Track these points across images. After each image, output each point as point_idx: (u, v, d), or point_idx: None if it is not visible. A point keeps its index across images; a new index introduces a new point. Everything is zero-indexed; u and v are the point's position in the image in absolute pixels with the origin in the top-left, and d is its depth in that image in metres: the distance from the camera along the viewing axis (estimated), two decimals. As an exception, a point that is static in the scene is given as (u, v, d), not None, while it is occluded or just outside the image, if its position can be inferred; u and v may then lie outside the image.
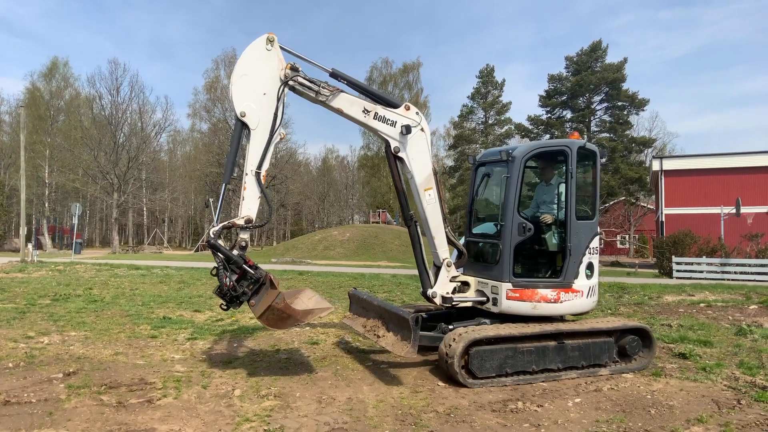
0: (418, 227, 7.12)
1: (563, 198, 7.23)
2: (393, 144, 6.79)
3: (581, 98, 51.11)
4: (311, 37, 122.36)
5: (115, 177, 50.81)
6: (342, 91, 6.61)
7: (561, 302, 7.00)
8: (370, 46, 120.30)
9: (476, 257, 7.57)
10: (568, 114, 52.30)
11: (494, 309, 7.00)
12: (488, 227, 7.70)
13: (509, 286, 6.85)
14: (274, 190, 56.77)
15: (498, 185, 7.67)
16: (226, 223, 6.11)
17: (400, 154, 6.83)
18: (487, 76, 62.12)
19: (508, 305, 6.86)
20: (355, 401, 5.78)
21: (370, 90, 6.93)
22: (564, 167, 7.24)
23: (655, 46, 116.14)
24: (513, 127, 58.79)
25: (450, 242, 7.13)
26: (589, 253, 7.21)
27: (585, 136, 50.05)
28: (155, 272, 20.44)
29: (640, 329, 7.23)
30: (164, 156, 69.72)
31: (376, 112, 6.71)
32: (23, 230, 30.22)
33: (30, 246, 29.53)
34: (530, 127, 53.62)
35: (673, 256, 24.39)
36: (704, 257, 24.24)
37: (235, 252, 5.99)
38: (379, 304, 7.29)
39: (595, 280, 7.32)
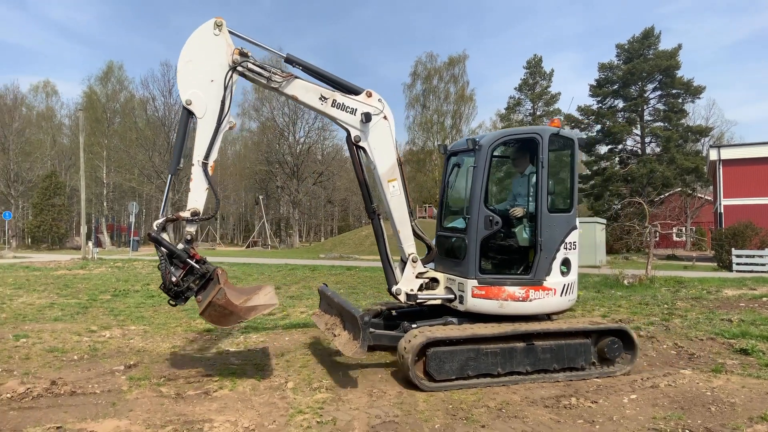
0: (382, 220, 6.80)
1: (535, 190, 6.70)
2: (353, 133, 6.42)
3: (633, 87, 49.56)
4: (355, 34, 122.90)
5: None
6: (296, 77, 6.27)
7: (530, 301, 6.50)
8: (415, 41, 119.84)
9: (447, 252, 7.16)
10: (620, 103, 50.83)
11: (461, 307, 6.57)
12: (460, 221, 7.30)
13: (475, 283, 6.42)
14: (321, 187, 57.45)
15: (466, 176, 7.18)
16: (170, 215, 5.95)
17: (361, 144, 6.46)
18: (534, 67, 61.03)
19: (473, 303, 6.44)
20: (406, 395, 5.80)
21: (328, 76, 6.53)
22: (534, 157, 6.74)
23: (712, 31, 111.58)
24: (562, 118, 57.57)
25: (417, 237, 6.76)
26: (565, 249, 6.69)
27: (638, 126, 48.67)
28: (209, 268, 20.98)
29: (620, 331, 6.68)
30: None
31: (334, 99, 6.35)
32: (83, 229, 31.55)
33: (90, 244, 30.81)
34: (580, 117, 52.40)
35: (732, 249, 23.46)
36: (766, 250, 23.22)
37: (180, 246, 5.78)
38: (339, 302, 6.92)
39: (572, 277, 6.80)
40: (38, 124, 63.42)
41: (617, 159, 50.65)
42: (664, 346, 8.03)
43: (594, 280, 15.73)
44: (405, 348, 5.94)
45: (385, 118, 6.50)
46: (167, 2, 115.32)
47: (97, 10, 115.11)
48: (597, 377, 6.45)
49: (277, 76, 6.16)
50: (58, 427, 4.79)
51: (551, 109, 60.23)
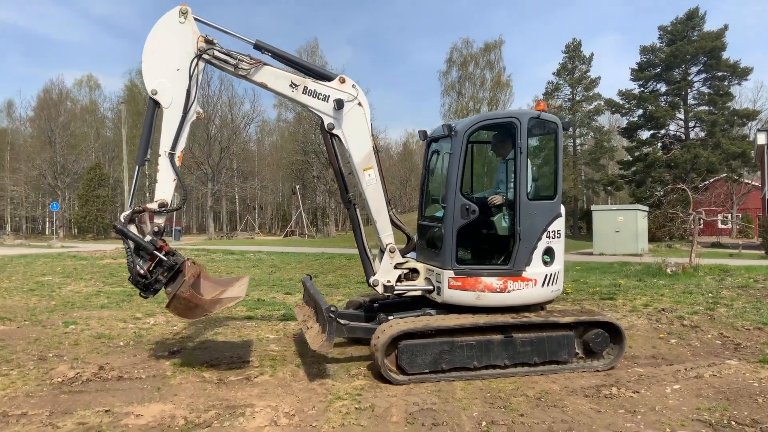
0: (357, 210, 6.69)
1: (516, 176, 6.41)
2: (326, 120, 6.22)
3: (677, 70, 48.05)
4: (390, 21, 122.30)
5: (208, 167, 53.42)
6: (266, 64, 6.11)
7: (508, 292, 6.24)
8: (451, 27, 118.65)
9: (428, 242, 6.89)
10: (663, 87, 49.34)
11: (438, 299, 6.38)
12: (440, 209, 6.89)
13: (451, 273, 6.20)
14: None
15: (444, 163, 6.92)
16: (137, 207, 5.81)
17: (335, 132, 6.27)
18: (573, 51, 59.73)
19: (450, 295, 6.22)
20: (444, 383, 5.81)
21: (299, 62, 6.41)
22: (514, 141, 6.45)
23: (761, 11, 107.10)
24: (603, 103, 56.26)
25: (396, 226, 6.60)
26: (548, 237, 6.39)
27: (682, 110, 47.27)
28: (248, 257, 21.34)
29: (607, 323, 6.39)
30: (253, 146, 72.32)
31: (305, 86, 6.14)
32: (128, 219, 32.34)
33: (134, 234, 31.59)
34: (621, 102, 51.13)
35: (782, 236, 22.64)
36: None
37: (147, 238, 5.71)
38: (313, 294, 6.76)
39: (555, 267, 6.48)
40: (82, 118, 65.23)
41: (659, 144, 49.30)
42: (709, 336, 7.84)
43: (636, 269, 15.42)
44: (374, 344, 5.80)
45: (359, 104, 6.30)
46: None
47: (138, 4, 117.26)
48: (582, 371, 6.22)
49: (244, 63, 6.01)
50: (106, 411, 4.97)
51: (591, 94, 58.95)
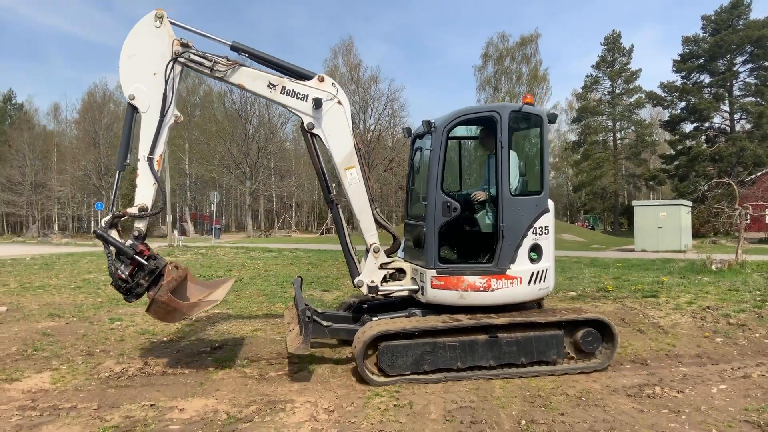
0: (339, 210, 6.61)
1: (500, 171, 6.19)
2: (306, 120, 6.19)
3: (721, 60, 46.64)
4: (423, 16, 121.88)
5: (246, 166, 54.21)
6: (242, 65, 6.11)
7: (492, 291, 6.06)
8: (485, 21, 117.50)
9: (414, 241, 6.80)
10: (707, 78, 48.02)
11: (422, 298, 6.26)
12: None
13: (433, 272, 6.08)
14: (392, 174, 57.65)
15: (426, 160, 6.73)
16: (117, 212, 5.83)
17: (315, 131, 6.23)
18: (613, 43, 58.53)
19: (433, 294, 6.10)
20: (482, 381, 5.79)
21: (277, 62, 6.29)
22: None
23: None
24: (644, 96, 55.02)
25: (380, 226, 6.47)
26: (534, 234, 6.20)
27: (727, 102, 45.84)
28: (286, 254, 21.60)
29: (598, 321, 6.17)
30: (290, 145, 72.95)
31: (283, 86, 6.13)
32: (169, 218, 33.19)
33: (176, 232, 32.41)
34: (663, 94, 49.89)
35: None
36: None
37: (128, 242, 5.71)
38: (296, 296, 6.72)
39: (544, 264, 6.28)
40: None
41: (703, 137, 48.00)
42: (757, 335, 7.60)
43: (679, 266, 15.04)
44: (355, 345, 5.75)
45: (339, 103, 6.24)
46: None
47: (178, 8, 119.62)
48: (575, 372, 6.03)
49: (220, 65, 6.02)
50: (151, 405, 5.11)
51: (631, 87, 57.67)
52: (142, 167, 5.92)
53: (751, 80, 45.91)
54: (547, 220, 6.35)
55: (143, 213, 5.87)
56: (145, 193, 5.92)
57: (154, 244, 27.83)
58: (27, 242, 42.07)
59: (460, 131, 7.46)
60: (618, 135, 60.09)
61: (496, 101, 59.95)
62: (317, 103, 6.13)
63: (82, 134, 62.97)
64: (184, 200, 61.19)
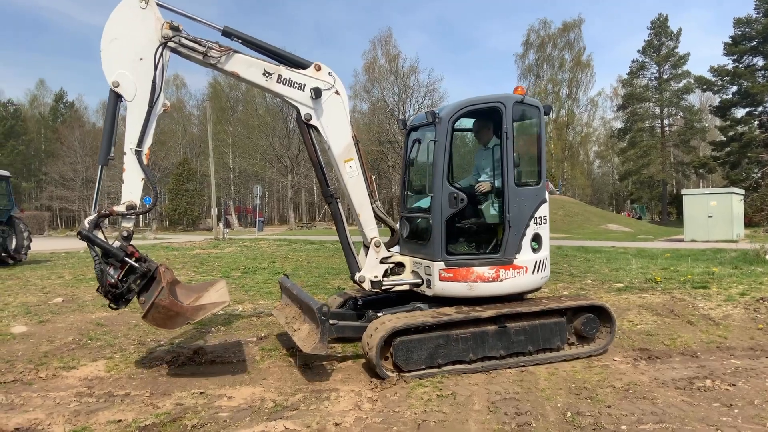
0: (340, 204, 6.43)
1: (502, 162, 6.20)
2: (303, 111, 5.92)
3: (776, 42, 44.72)
4: (461, 6, 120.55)
5: (288, 160, 54.91)
6: (236, 52, 5.73)
7: (501, 281, 6.06)
8: (524, 8, 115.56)
9: (412, 234, 6.72)
10: (760, 61, 46.13)
11: (428, 292, 6.16)
12: (423, 200, 6.72)
13: (441, 265, 5.98)
14: (433, 164, 57.44)
15: (428, 152, 6.65)
16: (103, 211, 5.38)
17: (312, 122, 5.96)
18: (660, 27, 56.78)
19: (441, 287, 6.01)
20: (526, 373, 5.75)
21: (272, 49, 5.96)
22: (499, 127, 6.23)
23: None
24: (692, 81, 53.28)
25: (379, 219, 6.34)
26: (535, 224, 6.24)
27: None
28: (327, 246, 21.80)
29: (597, 307, 6.33)
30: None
31: (279, 75, 5.80)
32: (214, 211, 33.89)
33: (221, 225, 33.10)
34: (713, 79, 48.18)
35: None
36: None
37: (116, 243, 5.31)
38: (297, 294, 6.51)
39: (543, 253, 6.36)
40: (170, 115, 68.46)
41: (756, 123, 46.19)
42: (815, 327, 7.31)
43: (731, 256, 14.56)
44: (368, 343, 5.62)
45: (337, 93, 6.01)
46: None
47: (220, 4, 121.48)
48: (579, 358, 6.17)
49: (213, 51, 5.61)
50: (201, 392, 5.26)
51: (679, 72, 55.88)
52: (129, 161, 5.43)
53: (809, 62, 43.92)
54: (545, 209, 6.42)
55: (131, 211, 5.42)
56: (132, 189, 5.48)
57: (200, 237, 28.42)
58: (80, 236, 43.60)
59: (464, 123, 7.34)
60: (666, 122, 58.40)
61: (538, 89, 59.04)
62: (317, 93, 5.86)
63: (129, 130, 64.79)
64: (229, 194, 62.39)
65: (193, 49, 5.60)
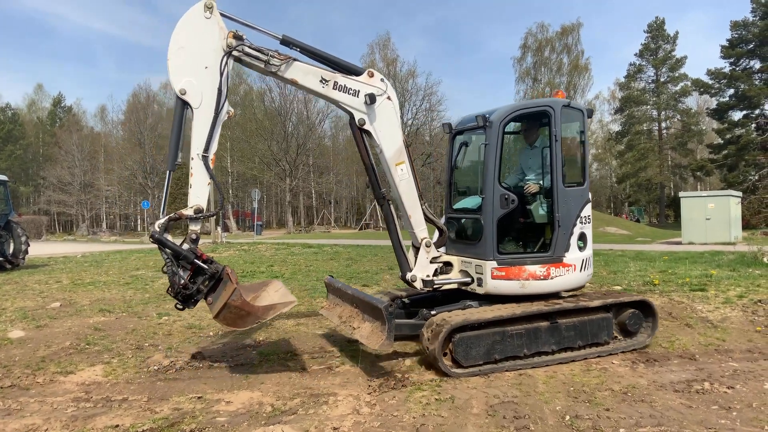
0: (392, 206, 6.50)
1: (548, 164, 6.49)
2: (357, 116, 6.07)
3: (773, 45, 44.84)
4: (461, 10, 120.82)
5: (286, 163, 54.92)
6: (295, 60, 5.86)
7: (552, 278, 6.36)
8: (525, 12, 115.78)
9: (458, 234, 6.98)
10: (756, 64, 46.19)
11: (479, 290, 6.37)
12: (469, 201, 7.00)
13: (494, 264, 6.22)
14: (430, 168, 57.50)
15: (478, 155, 6.88)
16: (173, 214, 5.51)
17: (366, 127, 6.10)
18: (657, 30, 56.91)
19: (494, 285, 6.24)
20: (524, 376, 5.75)
21: (328, 57, 6.10)
22: (547, 130, 6.50)
23: None
24: (689, 84, 53.36)
25: (428, 220, 6.46)
26: (581, 223, 6.54)
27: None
28: (326, 250, 21.80)
29: (641, 302, 6.69)
30: (328, 141, 73.49)
31: (335, 81, 5.96)
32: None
33: (219, 229, 33.05)
34: (710, 81, 48.28)
35: None
36: None
37: (185, 246, 5.47)
38: (353, 293, 6.64)
39: (588, 251, 6.69)
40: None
41: (753, 125, 46.26)
42: (813, 329, 7.31)
43: (729, 258, 14.57)
44: (428, 338, 5.78)
45: (389, 98, 6.16)
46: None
47: (221, 6, 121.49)
48: (621, 351, 6.47)
49: (275, 59, 5.76)
50: (199, 397, 5.25)
51: (676, 75, 56.01)
52: (197, 166, 5.62)
53: (805, 65, 44.03)
54: (589, 209, 6.71)
55: (199, 215, 5.57)
56: (200, 193, 5.64)
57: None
58: (77, 240, 43.62)
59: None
60: (663, 124, 58.49)
61: (535, 92, 59.10)
62: (371, 99, 6.01)
63: (127, 135, 64.89)
64: (227, 197, 62.31)
65: (256, 58, 5.75)
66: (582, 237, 6.59)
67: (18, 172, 67.31)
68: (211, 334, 7.77)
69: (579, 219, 6.55)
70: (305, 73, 5.94)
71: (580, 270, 6.59)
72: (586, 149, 6.92)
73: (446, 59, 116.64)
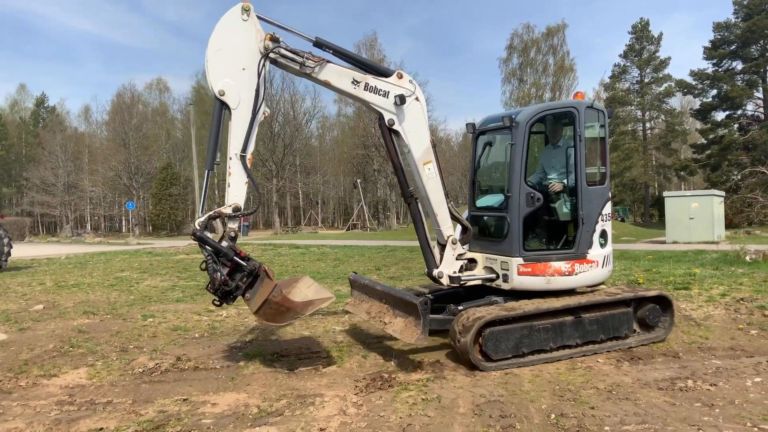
0: (419, 204, 6.63)
1: (572, 163, 6.73)
2: (387, 116, 6.22)
3: (754, 46, 45.38)
4: (449, 11, 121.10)
5: (273, 164, 54.72)
6: (329, 62, 6.02)
7: (576, 274, 6.60)
8: (512, 14, 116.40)
9: (482, 232, 7.21)
10: (739, 65, 46.76)
11: (505, 286, 6.59)
12: (492, 199, 7.23)
13: (520, 260, 6.45)
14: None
15: (502, 154, 7.19)
16: (212, 212, 5.65)
17: (395, 127, 6.26)
18: (641, 31, 57.34)
19: (520, 281, 6.46)
20: (510, 375, 5.77)
21: (358, 58, 6.34)
22: (570, 130, 6.76)
23: None
24: (673, 84, 53.85)
25: (453, 218, 6.65)
26: (602, 221, 6.79)
27: (760, 88, 44.77)
28: (312, 250, 21.75)
29: (659, 297, 6.91)
30: (315, 142, 73.39)
31: (366, 83, 6.12)
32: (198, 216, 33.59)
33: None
34: (693, 82, 48.79)
35: None
36: None
37: (224, 243, 5.54)
38: (383, 289, 6.82)
39: (609, 248, 6.95)
40: (153, 120, 68.09)
41: (736, 126, 46.82)
42: (794, 327, 7.42)
43: (712, 257, 14.74)
44: (459, 331, 5.93)
45: (417, 99, 6.32)
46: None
47: (207, 8, 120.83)
48: (640, 345, 6.70)
49: (310, 61, 5.90)
50: (184, 399, 5.21)
51: (660, 75, 56.52)
52: (234, 165, 5.72)
53: (786, 65, 44.63)
54: (609, 207, 6.98)
55: (237, 213, 5.68)
56: (238, 192, 5.76)
57: (183, 243, 28.17)
58: (61, 242, 43.12)
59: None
60: (647, 125, 58.99)
61: (521, 93, 59.38)
62: (401, 100, 6.17)
63: (112, 135, 64.28)
64: (213, 198, 61.87)
65: (291, 60, 5.89)
66: (603, 234, 6.82)
67: (0, 173, 66.51)
68: (196, 335, 7.72)
69: (600, 216, 6.77)
70: (338, 74, 6.09)
71: (602, 266, 6.83)
72: (606, 149, 7.10)
73: (433, 60, 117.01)
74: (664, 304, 6.93)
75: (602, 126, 7.01)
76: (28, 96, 77.57)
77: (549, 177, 7.08)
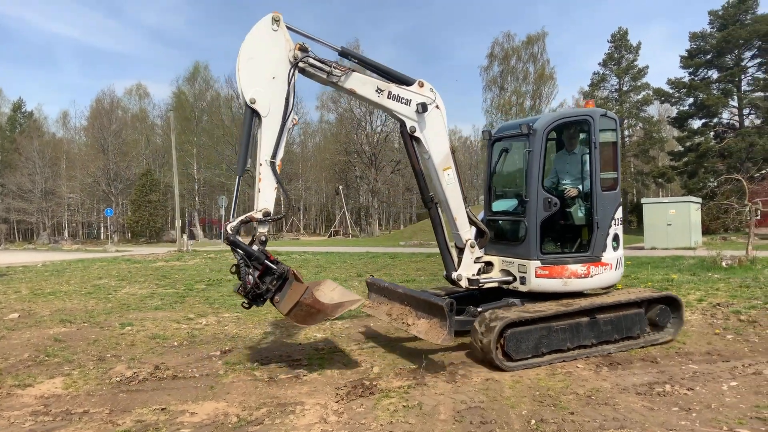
0: (439, 209, 6.77)
1: (586, 169, 6.98)
2: (409, 124, 6.41)
3: (729, 56, 46.28)
4: (432, 19, 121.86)
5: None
6: (354, 71, 6.20)
7: (591, 277, 6.86)
8: (493, 22, 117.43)
9: (497, 235, 7.41)
10: (714, 74, 47.60)
11: (522, 288, 6.81)
12: (507, 204, 7.50)
13: (538, 263, 6.68)
14: (399, 175, 57.68)
15: (518, 160, 7.47)
16: (243, 217, 5.79)
17: (416, 134, 6.45)
18: (620, 40, 58.15)
19: (537, 283, 6.70)
20: (491, 381, 5.79)
21: (382, 67, 6.47)
22: (585, 137, 7.01)
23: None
24: (651, 93, 54.67)
25: (471, 222, 6.85)
26: (614, 225, 7.04)
27: (735, 97, 45.64)
28: (294, 257, 21.64)
29: (669, 298, 7.18)
30: (297, 148, 73.13)
31: (389, 91, 6.31)
32: (178, 222, 33.30)
33: (185, 237, 32.52)
34: (671, 91, 49.57)
35: None
36: None
37: (255, 247, 5.71)
38: (405, 292, 6.99)
39: (621, 251, 7.20)
40: (133, 126, 67.36)
41: (712, 133, 47.63)
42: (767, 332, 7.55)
43: (689, 263, 14.95)
44: (482, 332, 6.10)
45: (437, 107, 6.51)
46: (250, 2, 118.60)
47: (187, 14, 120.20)
48: (649, 345, 6.91)
49: (337, 70, 6.06)
50: (162, 409, 5.14)
51: (638, 84, 57.36)
52: (264, 172, 5.85)
53: (760, 75, 45.50)
54: (621, 212, 7.20)
55: (268, 218, 5.86)
56: (268, 197, 5.90)
57: (163, 250, 27.86)
58: (38, 249, 42.37)
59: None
60: (626, 132, 59.81)
61: (502, 101, 59.88)
62: (423, 108, 6.36)
63: (90, 141, 63.47)
64: (193, 205, 61.41)
65: (320, 69, 6.04)
66: (615, 238, 7.06)
67: (-25, 179, 65.17)
68: (175, 344, 7.63)
69: (613, 221, 7.01)
70: (363, 83, 6.26)
71: (615, 268, 7.09)
72: (617, 155, 7.32)
73: (415, 67, 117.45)
74: (673, 305, 7.18)
75: (615, 133, 7.27)
76: (5, 101, 76.23)
77: (563, 182, 7.30)
